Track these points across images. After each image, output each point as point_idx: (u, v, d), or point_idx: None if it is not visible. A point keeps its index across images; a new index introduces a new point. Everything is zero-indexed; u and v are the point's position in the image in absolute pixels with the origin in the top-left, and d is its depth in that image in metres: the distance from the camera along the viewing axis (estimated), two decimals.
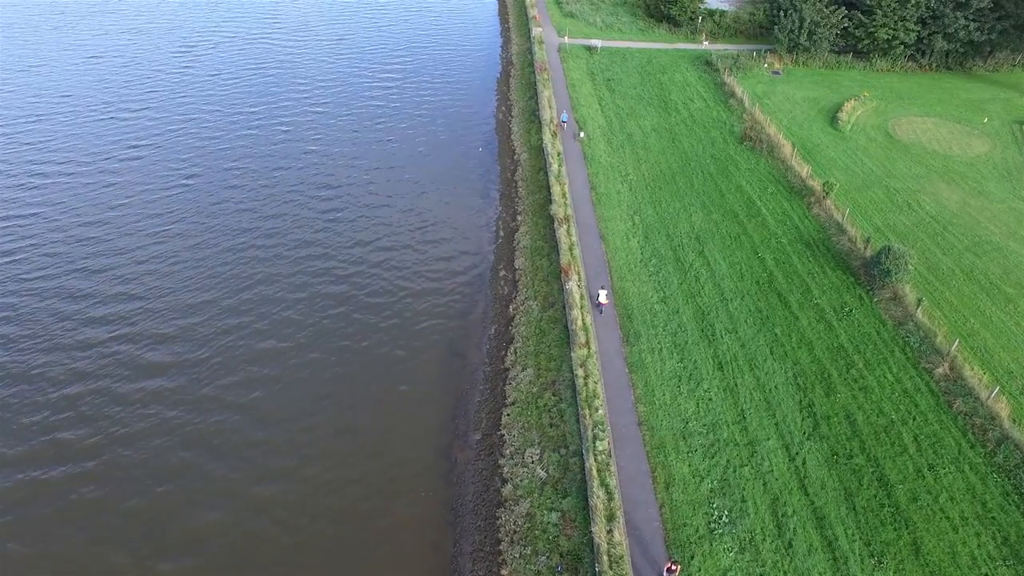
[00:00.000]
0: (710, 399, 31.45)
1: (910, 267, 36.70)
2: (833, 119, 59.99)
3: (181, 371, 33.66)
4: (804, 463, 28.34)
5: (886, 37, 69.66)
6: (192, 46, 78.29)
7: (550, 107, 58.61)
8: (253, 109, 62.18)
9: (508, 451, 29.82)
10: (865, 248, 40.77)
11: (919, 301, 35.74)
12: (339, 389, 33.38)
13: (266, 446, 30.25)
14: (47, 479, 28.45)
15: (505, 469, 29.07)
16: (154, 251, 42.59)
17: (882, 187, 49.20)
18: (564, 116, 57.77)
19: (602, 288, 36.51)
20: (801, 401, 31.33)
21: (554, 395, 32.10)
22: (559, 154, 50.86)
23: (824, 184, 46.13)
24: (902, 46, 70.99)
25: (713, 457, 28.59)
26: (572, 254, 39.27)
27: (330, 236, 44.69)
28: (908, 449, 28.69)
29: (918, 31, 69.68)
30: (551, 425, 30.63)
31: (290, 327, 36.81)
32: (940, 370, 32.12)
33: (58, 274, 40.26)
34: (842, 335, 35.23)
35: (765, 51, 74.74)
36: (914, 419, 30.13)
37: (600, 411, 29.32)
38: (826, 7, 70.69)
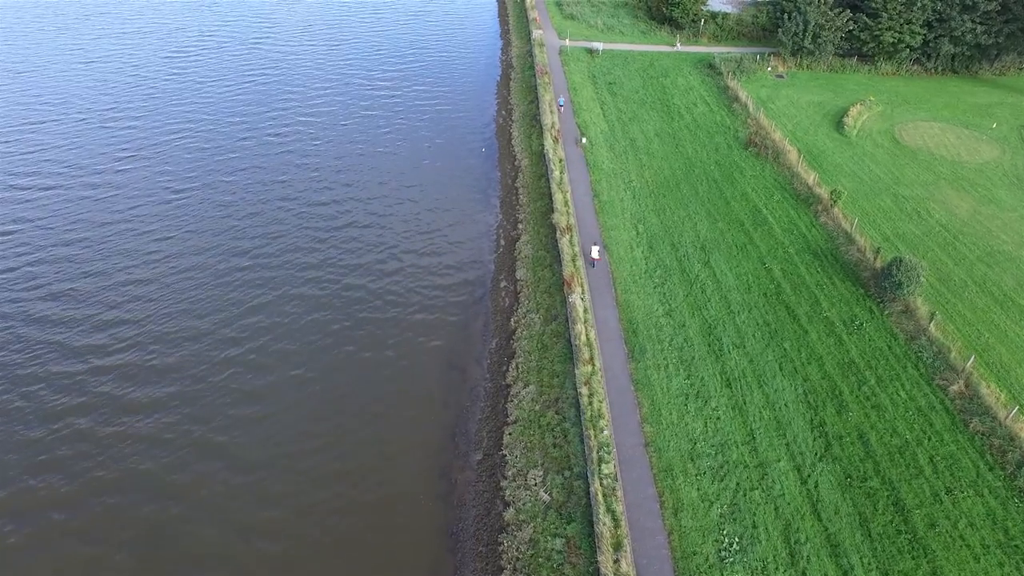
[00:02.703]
0: (718, 418, 30.46)
1: (922, 279, 35.76)
2: (839, 124, 59.02)
3: (168, 409, 31.58)
4: (817, 486, 27.35)
5: (892, 40, 68.70)
6: (185, 51, 77.13)
7: (551, 112, 57.60)
8: (245, 118, 60.55)
9: (510, 472, 28.81)
10: (875, 259, 39.80)
11: (932, 315, 34.78)
12: (335, 407, 32.32)
13: (262, 471, 29.21)
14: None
15: (507, 492, 28.06)
16: (143, 273, 40.26)
17: (890, 194, 48.24)
18: (561, 100, 60.91)
19: (595, 244, 39.49)
20: (812, 420, 30.35)
21: (557, 413, 31.09)
22: (561, 160, 49.86)
23: (832, 192, 45.16)
24: (908, 49, 70.04)
25: (722, 480, 27.60)
26: (575, 265, 38.26)
27: (325, 247, 43.53)
28: (924, 471, 27.71)
29: (924, 34, 68.75)
30: (554, 445, 29.62)
31: (285, 341, 35.74)
32: (955, 387, 31.14)
33: (33, 299, 38.00)
34: (853, 350, 34.26)
35: (768, 54, 73.75)
36: (929, 439, 29.15)
37: (605, 432, 28.32)
38: (830, 10, 69.72)
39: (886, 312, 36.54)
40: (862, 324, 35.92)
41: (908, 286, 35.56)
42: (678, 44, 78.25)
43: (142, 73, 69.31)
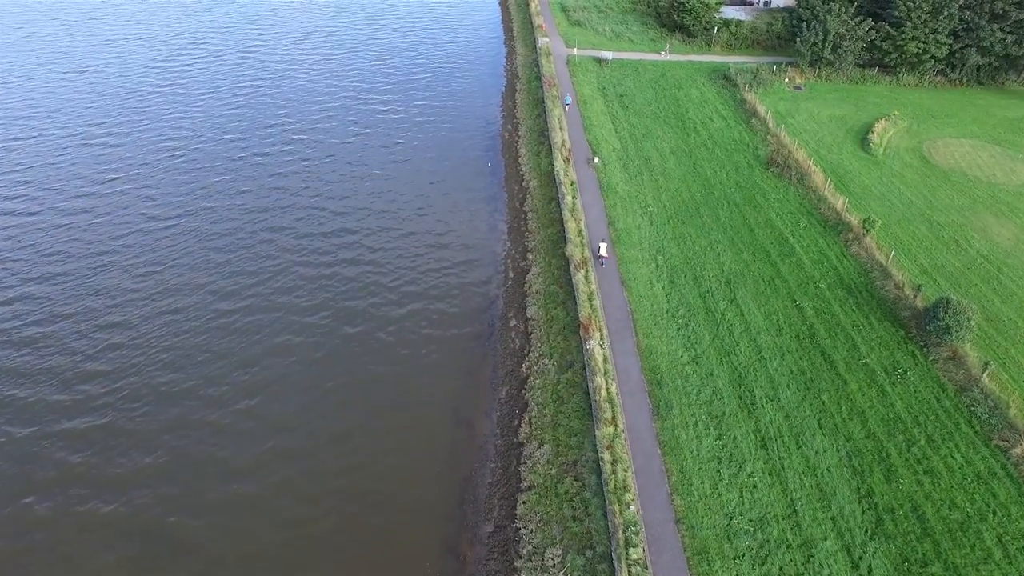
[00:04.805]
0: (755, 486, 27.45)
1: (972, 324, 32.73)
2: (864, 141, 55.97)
3: (141, 486, 27.97)
4: (870, 572, 24.35)
5: (916, 51, 65.58)
6: (175, 61, 73.99)
7: (560, 128, 54.55)
8: (236, 137, 56.86)
9: (525, 550, 25.85)
10: (915, 296, 36.78)
11: (986, 365, 31.74)
12: (333, 482, 29.30)
13: (245, 566, 26.20)
14: None
15: (522, 574, 25.10)
16: (118, 317, 36.51)
17: (924, 220, 45.21)
18: (568, 99, 60.08)
19: (602, 241, 39.55)
20: (859, 489, 27.34)
21: (576, 480, 28.09)
22: (573, 183, 46.82)
23: (864, 221, 42.13)
24: (932, 60, 66.92)
25: (764, 564, 24.61)
26: (592, 305, 35.25)
27: (320, 290, 39.40)
28: (993, 555, 24.71)
29: (950, 44, 65.61)
30: (574, 519, 26.63)
31: (276, 403, 32.28)
32: (1018, 450, 28.15)
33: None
34: (898, 403, 31.26)
35: (786, 64, 70.66)
36: (994, 513, 26.16)
37: (632, 507, 25.33)
38: (851, 18, 66.62)
39: (931, 359, 33.55)
40: (905, 372, 32.92)
41: (957, 331, 32.55)
42: (665, 52, 74.93)
43: (128, 85, 66.07)
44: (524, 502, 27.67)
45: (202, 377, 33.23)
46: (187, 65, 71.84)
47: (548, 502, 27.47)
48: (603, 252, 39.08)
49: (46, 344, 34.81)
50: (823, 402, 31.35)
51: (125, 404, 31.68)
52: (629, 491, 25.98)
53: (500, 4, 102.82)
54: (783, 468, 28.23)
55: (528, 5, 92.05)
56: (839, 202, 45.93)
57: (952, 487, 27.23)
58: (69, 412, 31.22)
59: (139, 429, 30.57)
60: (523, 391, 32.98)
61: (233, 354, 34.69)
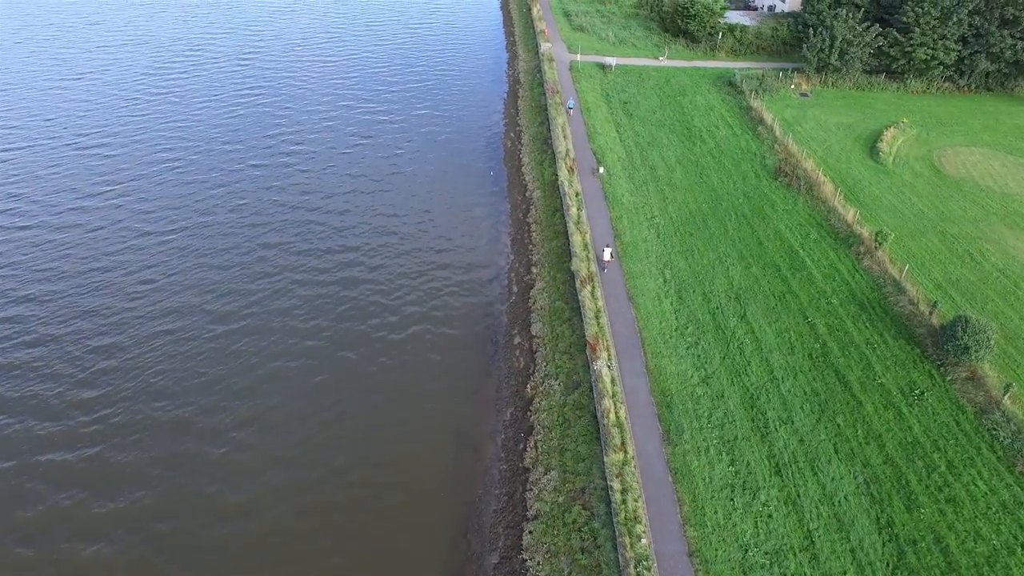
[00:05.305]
0: (770, 516, 26.41)
1: (992, 343, 31.71)
2: (872, 149, 55.00)
3: (131, 526, 26.74)
4: None
5: (924, 57, 64.61)
6: (172, 67, 73.06)
7: (564, 137, 53.57)
8: (233, 147, 55.71)
9: None
10: (930, 313, 35.77)
11: (1008, 387, 30.70)
12: (331, 496, 28.28)
13: None
14: None
15: None
16: (108, 340, 34.98)
17: (937, 232, 44.20)
18: (571, 103, 60.07)
19: (607, 246, 39.69)
20: (879, 518, 26.31)
21: (585, 508, 27.05)
22: (577, 194, 45.83)
23: (877, 234, 41.10)
24: (940, 66, 65.94)
25: None
26: (599, 323, 34.23)
27: (318, 312, 37.90)
28: None
29: (959, 50, 64.64)
30: (583, 551, 25.59)
31: (271, 436, 30.76)
32: None
33: None
34: (915, 426, 30.23)
35: (791, 70, 69.72)
36: (1023, 547, 25.11)
37: (643, 540, 24.30)
38: (858, 24, 65.65)
39: (948, 378, 32.53)
40: (922, 393, 31.89)
41: (976, 351, 31.52)
42: (663, 58, 73.98)
43: (125, 92, 65.15)
44: (530, 532, 26.64)
45: (196, 404, 31.96)
46: (184, 72, 70.88)
47: (555, 532, 26.42)
48: (607, 256, 38.95)
49: (33, 368, 33.55)
50: (838, 425, 30.33)
51: (115, 433, 30.36)
52: (640, 523, 24.95)
53: (501, 8, 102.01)
54: (799, 496, 27.20)
55: (530, 10, 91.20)
56: (849, 213, 44.93)
57: (976, 517, 26.19)
58: (55, 443, 29.83)
59: (129, 461, 29.25)
60: (528, 413, 31.95)
61: (229, 379, 33.49)
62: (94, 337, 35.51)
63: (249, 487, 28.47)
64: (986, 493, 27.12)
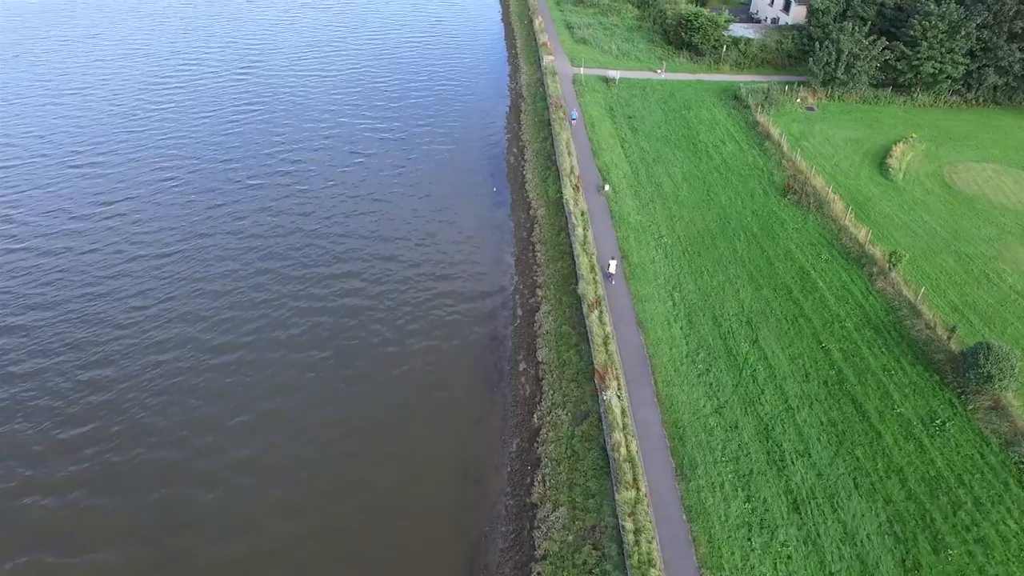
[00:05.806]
0: (789, 557, 25.26)
1: (1017, 371, 30.63)
2: (882, 165, 54.07)
3: (133, 549, 26.43)
4: None
5: (932, 71, 63.80)
6: (170, 80, 72.18)
7: (569, 153, 52.63)
8: (231, 165, 54.52)
9: None
10: (949, 338, 34.69)
11: None
12: (330, 524, 27.13)
13: None
14: None
15: None
16: (94, 373, 33.43)
17: (951, 252, 43.19)
18: (574, 114, 60.28)
19: (612, 258, 39.76)
20: (904, 561, 25.16)
21: (595, 549, 25.89)
22: (583, 214, 44.81)
23: (891, 255, 40.07)
24: (948, 80, 65.14)
25: None
26: (607, 350, 33.13)
27: (318, 340, 36.58)
28: None
29: (967, 64, 63.84)
30: None
31: (269, 478, 29.62)
32: None
33: None
34: (938, 459, 29.11)
35: (797, 84, 68.89)
36: None
37: None
38: (864, 37, 64.89)
39: (970, 407, 31.44)
40: (944, 424, 30.79)
41: (1000, 380, 30.44)
42: (661, 71, 73.24)
43: (123, 106, 64.13)
44: (539, 573, 25.48)
45: (193, 427, 31.04)
46: (182, 85, 69.91)
47: (565, 574, 25.26)
48: (612, 269, 38.90)
49: (25, 390, 32.54)
50: (857, 458, 29.21)
51: (110, 457, 29.45)
52: (655, 566, 23.80)
53: (503, 21, 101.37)
54: (819, 535, 26.06)
55: (532, 22, 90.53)
56: (861, 232, 43.93)
57: (1008, 560, 25.04)
58: (47, 465, 28.98)
59: (123, 486, 28.34)
60: (535, 444, 30.83)
61: (227, 401, 32.51)
62: (90, 357, 34.59)
63: (246, 512, 27.68)
64: (1017, 533, 25.99)
